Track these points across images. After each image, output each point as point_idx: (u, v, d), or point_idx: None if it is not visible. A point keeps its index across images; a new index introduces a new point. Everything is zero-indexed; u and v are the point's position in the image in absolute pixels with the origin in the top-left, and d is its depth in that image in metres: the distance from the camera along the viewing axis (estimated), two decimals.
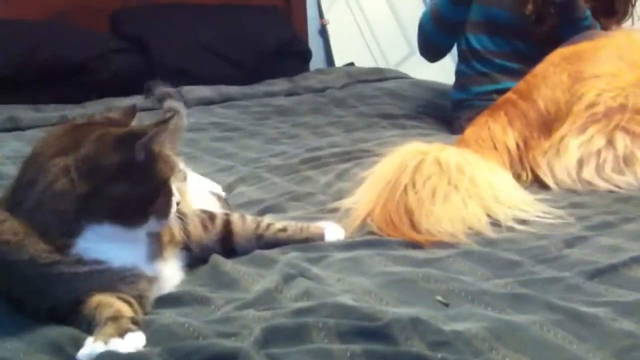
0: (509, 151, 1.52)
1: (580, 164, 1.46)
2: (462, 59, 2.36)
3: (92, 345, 0.82)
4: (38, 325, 0.89)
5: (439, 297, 0.96)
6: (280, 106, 2.51)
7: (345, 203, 1.36)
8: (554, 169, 1.48)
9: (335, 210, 1.36)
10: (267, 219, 1.20)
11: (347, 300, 0.91)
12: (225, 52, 2.98)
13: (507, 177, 1.41)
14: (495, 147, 1.52)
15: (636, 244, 1.12)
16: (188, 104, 2.55)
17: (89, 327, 0.89)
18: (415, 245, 1.18)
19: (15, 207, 0.94)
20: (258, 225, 1.17)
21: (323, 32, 3.71)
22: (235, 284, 1.05)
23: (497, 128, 1.54)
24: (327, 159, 1.75)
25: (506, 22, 2.21)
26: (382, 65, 3.57)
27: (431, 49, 2.35)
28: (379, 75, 3.01)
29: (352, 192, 1.42)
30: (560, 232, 1.21)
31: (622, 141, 1.44)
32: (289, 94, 2.75)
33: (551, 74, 1.56)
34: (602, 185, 1.44)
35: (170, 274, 1.05)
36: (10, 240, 0.91)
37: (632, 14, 2.15)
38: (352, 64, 3.41)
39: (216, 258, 1.12)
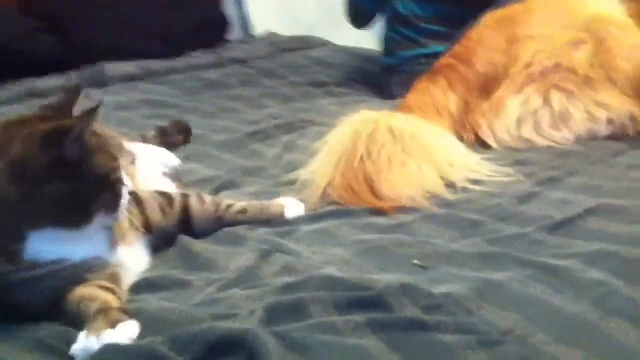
0: (450, 114, 1.56)
1: (519, 122, 1.52)
2: (389, 24, 2.38)
3: (85, 340, 0.81)
4: (22, 325, 0.87)
5: (415, 261, 0.99)
6: (209, 79, 2.47)
7: (301, 174, 1.36)
8: (494, 129, 1.54)
9: (291, 182, 1.37)
10: (226, 200, 1.19)
11: (331, 271, 0.93)
12: (146, 26, 2.90)
13: (454, 140, 1.45)
14: (437, 111, 1.55)
15: (583, 197, 1.19)
16: (111, 81, 2.49)
17: (74, 321, 0.87)
18: (378, 212, 1.20)
19: None
20: (217, 207, 1.17)
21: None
22: (210, 264, 1.04)
23: (438, 92, 1.58)
24: (271, 131, 1.75)
25: None
26: (295, 30, 3.54)
27: (360, 16, 2.37)
28: (302, 44, 3.00)
29: (305, 164, 1.43)
30: (512, 189, 1.26)
31: (557, 99, 1.51)
32: (214, 66, 2.70)
33: (487, 38, 1.61)
34: (540, 141, 1.51)
35: (137, 259, 1.04)
36: None
37: None
38: (272, 32, 3.39)
39: (184, 239, 1.11)
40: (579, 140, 1.51)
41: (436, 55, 2.21)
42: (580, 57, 1.52)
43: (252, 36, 3.27)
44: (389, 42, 2.39)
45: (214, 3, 3.27)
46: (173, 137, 1.65)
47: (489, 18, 1.68)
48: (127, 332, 0.81)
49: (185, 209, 1.14)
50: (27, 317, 0.89)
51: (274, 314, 0.81)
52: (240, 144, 1.68)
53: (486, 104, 1.55)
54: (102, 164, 0.91)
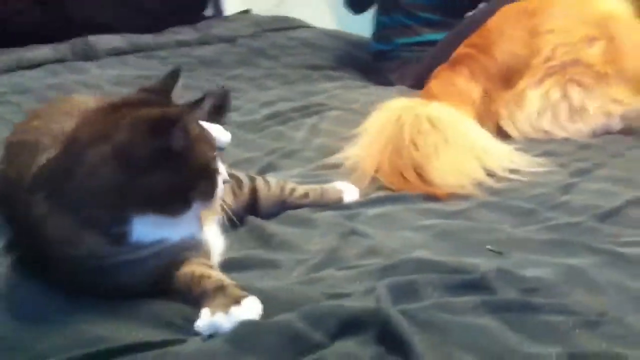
0: (474, 103, 1.62)
1: (539, 114, 1.60)
2: (383, 10, 2.41)
3: (211, 316, 0.83)
4: (135, 302, 0.88)
5: (489, 246, 1.05)
6: (201, 57, 2.46)
7: (344, 159, 1.40)
8: (516, 119, 1.61)
9: (332, 166, 1.41)
10: (289, 184, 1.22)
11: (423, 255, 0.97)
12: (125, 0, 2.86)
13: (485, 130, 1.52)
14: (462, 101, 1.61)
15: (619, 188, 1.27)
16: (101, 55, 2.45)
17: (184, 298, 0.89)
18: (430, 198, 1.26)
19: (54, 196, 0.89)
20: (282, 191, 1.20)
21: None
22: (288, 245, 1.08)
23: (461, 81, 1.64)
24: (289, 114, 1.77)
25: None
26: (255, 8, 3.53)
27: (358, 2, 2.39)
28: (285, 24, 3.00)
29: (340, 148, 1.47)
30: (550, 179, 1.34)
31: (575, 93, 1.59)
32: (201, 43, 2.69)
33: (508, 29, 1.67)
34: (558, 133, 1.59)
35: (217, 238, 1.06)
36: (64, 235, 0.88)
37: None
38: (247, 11, 3.38)
39: (254, 220, 1.14)
40: (594, 133, 1.60)
41: (430, 43, 2.28)
42: (596, 53, 1.61)
43: (234, 14, 3.25)
44: (383, 29, 2.42)
45: None
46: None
47: (508, 11, 1.75)
48: (253, 308, 0.83)
49: (254, 192, 1.16)
50: (129, 296, 0.90)
51: (395, 294, 0.85)
52: (263, 126, 1.70)
53: (508, 94, 1.62)
54: (202, 153, 0.92)
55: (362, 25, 3.25)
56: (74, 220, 0.88)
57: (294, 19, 3.14)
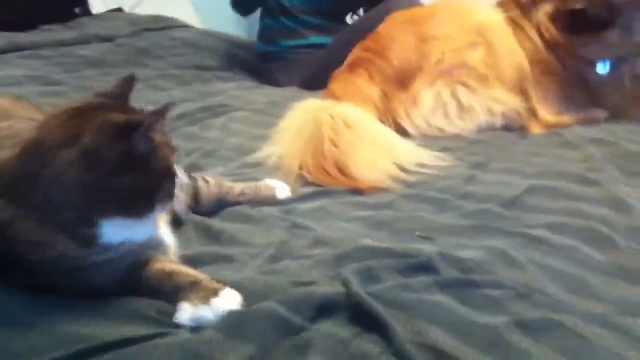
0: (374, 103, 1.75)
1: (433, 112, 1.76)
2: (269, 13, 2.51)
3: (192, 308, 0.87)
4: (113, 300, 0.91)
5: (418, 233, 1.17)
6: (85, 56, 2.42)
7: (266, 157, 1.48)
8: (412, 117, 1.76)
9: (254, 165, 1.48)
10: (226, 182, 1.28)
11: (369, 242, 1.07)
12: None
13: (389, 128, 1.65)
14: (363, 101, 1.74)
15: (514, 178, 1.44)
16: None
17: (157, 294, 0.93)
18: (355, 192, 1.36)
19: (18, 200, 0.90)
20: (220, 190, 1.25)
21: None
22: (236, 241, 1.14)
23: (361, 83, 1.76)
24: (197, 115, 1.82)
25: None
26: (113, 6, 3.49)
27: (245, 4, 2.46)
28: (162, 24, 3.00)
29: (258, 148, 1.54)
30: (453, 172, 1.49)
31: (462, 94, 1.77)
32: (81, 42, 2.63)
33: (399, 36, 1.82)
34: (449, 129, 1.76)
35: (170, 238, 1.10)
36: (32, 239, 0.89)
37: None
38: (120, 9, 3.34)
39: (196, 218, 1.19)
40: (479, 129, 1.78)
41: (314, 46, 2.41)
42: (477, 57, 1.79)
43: (109, 13, 3.18)
44: (269, 30, 2.52)
45: None
46: None
47: (397, 18, 1.90)
48: (233, 298, 0.88)
49: (195, 191, 1.20)
50: (99, 295, 0.93)
51: (358, 278, 0.94)
52: (173, 127, 1.72)
53: (403, 95, 1.76)
54: (165, 158, 0.95)
55: (225, 23, 3.35)
56: (42, 223, 0.89)
57: (171, 18, 3.15)
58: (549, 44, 1.81)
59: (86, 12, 3.30)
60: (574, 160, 1.54)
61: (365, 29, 2.14)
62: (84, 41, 2.64)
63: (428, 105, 1.75)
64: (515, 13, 1.93)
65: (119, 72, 2.21)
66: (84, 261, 0.91)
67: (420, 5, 2.16)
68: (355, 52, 1.88)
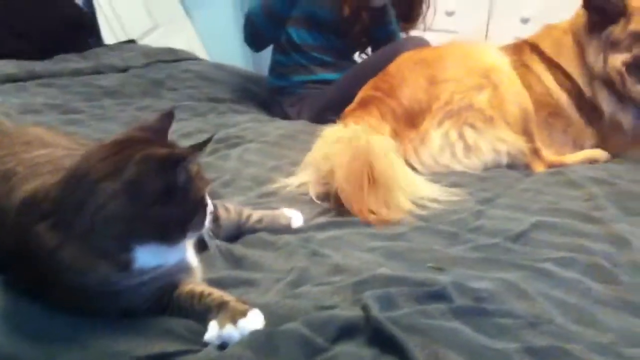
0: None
1: (440, 151, 1.83)
2: (280, 50, 2.58)
3: (220, 329, 0.93)
4: (142, 319, 0.96)
5: (430, 264, 1.23)
6: (103, 87, 2.49)
7: (280, 188, 1.54)
8: (420, 155, 1.83)
9: (272, 194, 1.54)
10: (246, 210, 1.34)
11: (387, 271, 1.13)
12: (13, 25, 2.82)
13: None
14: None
15: (521, 214, 1.50)
16: None
17: (187, 314, 0.99)
18: (367, 224, 1.42)
19: (64, 228, 0.96)
20: (240, 217, 1.32)
21: (88, 4, 3.61)
22: (259, 266, 1.19)
23: (373, 121, 1.83)
24: (213, 145, 1.88)
25: (325, 20, 2.50)
26: (123, 38, 3.58)
27: (259, 41, 2.54)
28: (174, 56, 3.09)
29: (273, 178, 1.61)
30: (463, 207, 1.55)
31: (469, 134, 1.84)
32: (96, 72, 2.71)
33: (409, 77, 1.89)
34: (456, 167, 1.83)
35: (195, 261, 1.16)
36: (77, 265, 0.95)
37: (423, 21, 2.60)
38: (133, 40, 3.43)
39: (220, 244, 1.24)
40: (485, 167, 1.85)
41: (323, 81, 2.49)
42: (484, 99, 1.87)
43: (122, 44, 3.27)
44: (280, 66, 2.59)
45: (76, 6, 3.25)
46: None
47: (406, 60, 1.97)
48: (258, 319, 0.94)
49: (216, 217, 1.26)
50: (133, 315, 0.98)
51: (379, 304, 0.99)
52: None
53: (412, 133, 1.83)
54: (199, 189, 1.01)
55: (231, 56, 3.47)
56: (86, 250, 0.95)
57: (182, 51, 3.24)
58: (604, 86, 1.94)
59: (99, 42, 3.40)
60: (577, 198, 1.60)
61: (373, 68, 2.22)
62: (100, 71, 2.72)
63: (436, 144, 1.82)
64: (529, 57, 2.02)
65: (136, 103, 2.30)
66: (121, 284, 0.97)
67: (429, 46, 2.24)
68: (366, 90, 1.95)
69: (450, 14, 3.53)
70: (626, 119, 1.97)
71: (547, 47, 2.05)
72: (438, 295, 1.05)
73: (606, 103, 1.98)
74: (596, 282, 1.18)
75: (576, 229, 1.40)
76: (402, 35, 2.59)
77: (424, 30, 2.60)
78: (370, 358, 0.90)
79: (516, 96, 1.92)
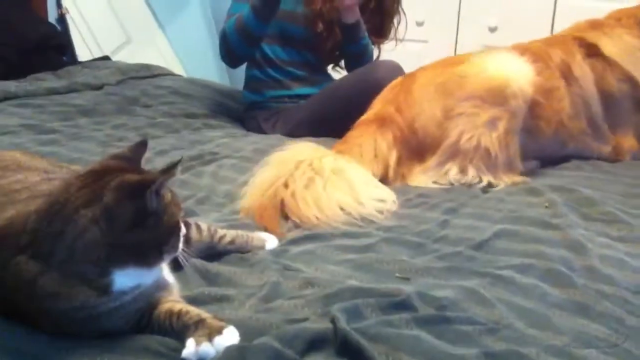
0: (386, 165, 1.89)
1: (435, 181, 1.91)
2: (255, 65, 2.64)
3: (197, 345, 0.98)
4: (124, 337, 1.01)
5: (397, 274, 1.29)
6: (77, 105, 2.53)
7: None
8: (416, 182, 1.91)
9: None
10: (219, 231, 1.38)
11: (354, 283, 1.19)
12: None
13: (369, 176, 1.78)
14: (375, 157, 1.88)
15: (484, 223, 1.57)
16: None
17: (166, 333, 1.04)
18: (340, 236, 1.48)
19: (45, 257, 0.99)
20: (212, 237, 1.36)
21: (62, 22, 3.64)
22: (233, 282, 1.25)
23: (383, 144, 1.89)
24: (188, 162, 1.93)
25: (298, 35, 2.56)
26: (96, 53, 3.63)
27: (235, 58, 2.59)
28: (148, 72, 3.14)
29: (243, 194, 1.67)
30: (429, 217, 1.61)
31: (472, 172, 1.89)
32: (70, 90, 2.75)
33: (427, 109, 1.92)
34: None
35: (171, 279, 1.21)
36: (57, 291, 0.98)
37: (395, 34, 2.67)
38: (107, 57, 3.47)
39: (195, 261, 1.30)
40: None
41: (299, 96, 2.56)
42: (493, 138, 1.89)
43: (95, 61, 3.31)
44: (255, 81, 2.65)
45: (49, 24, 3.28)
46: None
47: (429, 82, 1.96)
48: (233, 336, 1.00)
49: (186, 237, 1.31)
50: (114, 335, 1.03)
51: (345, 316, 1.05)
52: None
53: (417, 166, 1.91)
54: (173, 213, 1.05)
55: (206, 70, 3.52)
56: (66, 276, 0.98)
57: (157, 67, 3.28)
58: None
59: (74, 59, 3.43)
60: (537, 205, 1.68)
61: (347, 90, 2.32)
62: (74, 89, 2.75)
63: (434, 178, 1.90)
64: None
65: (111, 121, 2.34)
66: (101, 308, 1.01)
67: (401, 70, 2.28)
68: (387, 104, 1.97)
69: (420, 24, 3.61)
70: None
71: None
72: (403, 305, 1.12)
73: None
74: (553, 287, 1.25)
75: (535, 236, 1.47)
76: (375, 49, 2.66)
77: (396, 43, 2.66)
78: None
79: None
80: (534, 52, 2.07)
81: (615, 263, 1.35)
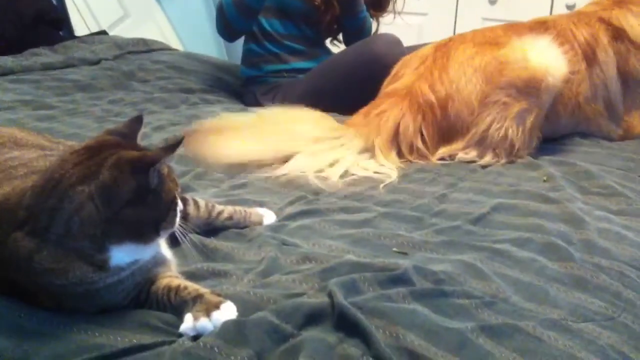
0: (410, 144, 1.89)
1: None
2: (252, 39, 2.62)
3: (194, 320, 0.98)
4: (119, 313, 1.02)
5: (395, 249, 1.29)
6: (74, 80, 2.52)
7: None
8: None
9: (243, 186, 1.59)
10: (217, 207, 1.38)
11: (352, 258, 1.19)
12: None
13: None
14: (398, 134, 1.88)
15: (482, 197, 1.57)
16: None
17: (165, 308, 1.04)
18: (337, 211, 1.48)
19: (42, 233, 0.99)
20: (210, 213, 1.36)
21: None
22: (231, 257, 1.25)
23: (411, 123, 1.88)
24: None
25: (296, 9, 2.54)
26: (93, 27, 3.60)
27: (232, 32, 2.57)
28: (146, 47, 3.12)
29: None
30: (428, 190, 1.61)
31: (488, 157, 1.88)
32: (67, 65, 2.73)
33: (463, 88, 1.87)
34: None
35: (169, 254, 1.21)
36: (54, 267, 0.99)
37: (394, 7, 2.64)
38: (104, 32, 3.44)
39: (193, 237, 1.29)
40: None
41: (297, 70, 2.54)
42: (521, 131, 1.86)
43: (92, 36, 3.28)
44: (253, 55, 2.63)
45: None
46: None
47: (469, 59, 1.90)
48: (231, 311, 1.00)
49: (185, 214, 1.31)
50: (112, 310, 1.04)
51: (342, 291, 1.05)
52: None
53: (441, 149, 1.90)
54: (170, 190, 1.06)
55: (204, 44, 3.48)
56: (62, 252, 0.99)
57: (154, 41, 3.26)
58: None
59: (70, 34, 3.41)
60: (536, 179, 1.67)
61: (346, 64, 2.30)
62: (71, 64, 2.74)
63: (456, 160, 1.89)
64: None
65: (108, 96, 2.33)
66: (99, 283, 1.02)
67: (399, 44, 2.26)
68: (420, 83, 1.92)
69: None
70: None
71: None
72: (400, 279, 1.12)
73: None
74: (550, 261, 1.25)
75: (533, 210, 1.47)
76: (373, 22, 2.64)
77: (394, 16, 2.64)
78: (335, 342, 0.96)
79: None
80: (559, 32, 2.00)
81: (613, 236, 1.35)
